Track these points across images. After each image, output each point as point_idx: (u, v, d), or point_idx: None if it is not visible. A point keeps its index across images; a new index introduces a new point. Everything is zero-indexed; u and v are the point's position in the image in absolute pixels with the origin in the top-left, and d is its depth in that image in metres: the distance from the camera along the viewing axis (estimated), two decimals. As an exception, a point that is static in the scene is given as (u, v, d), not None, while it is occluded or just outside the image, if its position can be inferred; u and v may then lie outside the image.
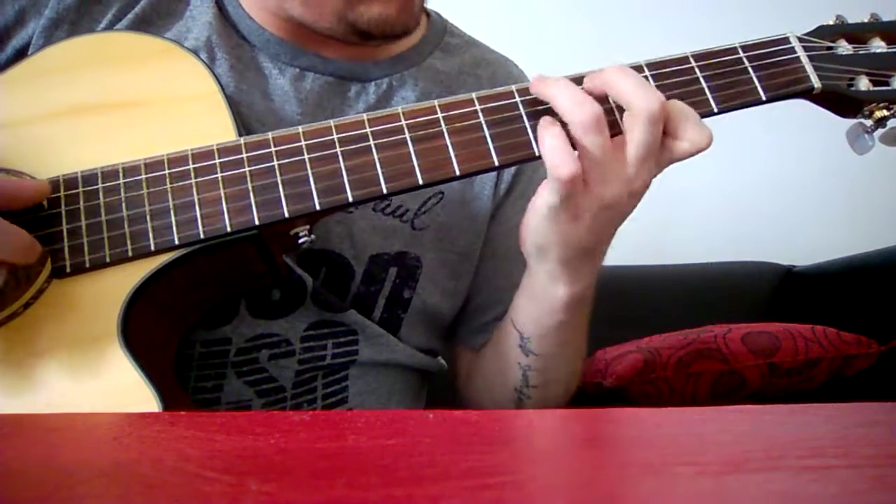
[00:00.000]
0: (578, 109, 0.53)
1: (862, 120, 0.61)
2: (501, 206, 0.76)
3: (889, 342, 1.11)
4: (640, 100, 0.53)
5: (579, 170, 0.53)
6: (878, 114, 0.60)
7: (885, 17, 0.62)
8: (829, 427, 0.39)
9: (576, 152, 0.54)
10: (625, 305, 1.24)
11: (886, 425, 0.40)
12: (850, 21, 0.62)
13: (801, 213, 1.64)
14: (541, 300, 0.63)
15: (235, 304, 0.64)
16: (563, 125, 0.54)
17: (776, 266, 1.48)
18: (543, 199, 0.56)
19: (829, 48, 0.60)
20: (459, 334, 0.79)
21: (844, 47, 0.60)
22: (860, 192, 1.65)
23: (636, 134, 0.54)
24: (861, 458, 0.32)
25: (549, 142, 0.54)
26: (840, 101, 0.60)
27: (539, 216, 0.58)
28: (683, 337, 1.12)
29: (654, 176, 0.56)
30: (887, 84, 0.60)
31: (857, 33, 0.61)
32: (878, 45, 0.61)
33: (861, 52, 0.60)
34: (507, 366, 0.69)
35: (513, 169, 0.75)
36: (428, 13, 0.78)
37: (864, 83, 0.59)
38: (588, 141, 0.53)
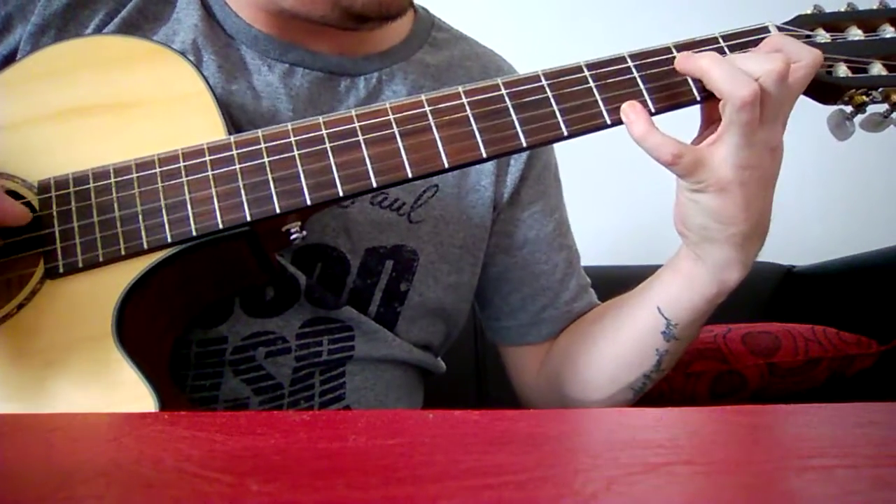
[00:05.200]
0: (739, 87, 0.54)
1: (842, 107, 0.62)
2: (518, 192, 0.76)
3: (889, 342, 1.11)
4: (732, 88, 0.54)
5: (682, 150, 0.55)
6: (858, 100, 0.61)
7: (862, 6, 0.63)
8: (829, 427, 0.39)
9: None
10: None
11: (886, 425, 0.40)
12: (828, 10, 0.63)
13: (801, 213, 1.64)
14: (702, 288, 0.63)
15: (230, 304, 0.64)
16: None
17: (776, 266, 1.48)
18: (679, 185, 0.58)
19: (808, 37, 0.61)
20: (512, 333, 0.80)
21: (822, 36, 0.62)
22: (860, 192, 1.65)
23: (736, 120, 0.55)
24: (861, 458, 0.32)
25: (648, 139, 0.56)
26: (820, 88, 0.61)
27: (681, 205, 0.60)
28: (683, 337, 1.12)
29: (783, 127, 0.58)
30: (865, 71, 0.61)
31: (834, 22, 0.62)
32: (855, 34, 0.62)
33: (839, 41, 0.61)
34: (640, 353, 0.69)
35: (524, 154, 0.75)
36: (415, 9, 0.78)
37: (843, 70, 0.60)
38: (743, 114, 0.54)
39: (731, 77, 0.54)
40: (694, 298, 0.64)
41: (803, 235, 1.61)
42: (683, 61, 0.57)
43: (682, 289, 0.65)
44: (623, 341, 0.70)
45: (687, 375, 1.08)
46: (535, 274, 0.78)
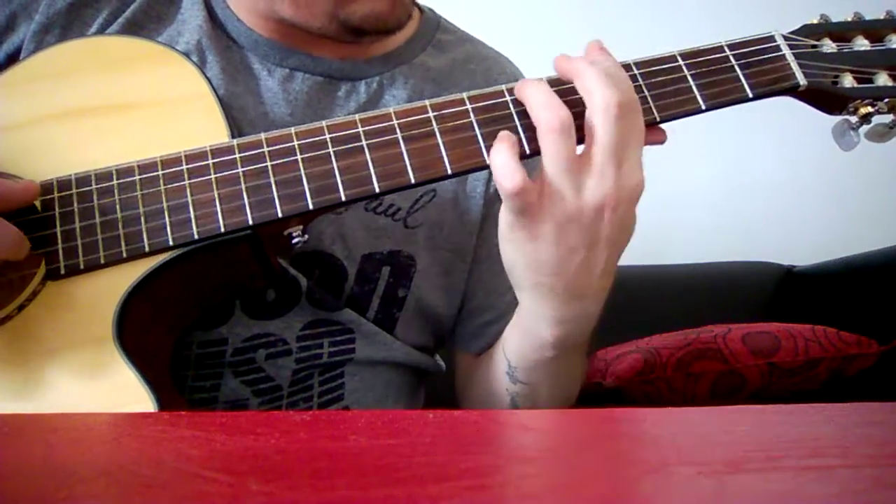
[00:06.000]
0: (546, 113, 0.52)
1: (847, 117, 0.62)
2: (494, 205, 0.75)
3: (889, 342, 1.11)
4: (598, 93, 0.52)
5: (525, 183, 0.51)
6: (863, 110, 0.60)
7: (868, 16, 0.63)
8: (829, 427, 0.39)
9: (523, 170, 0.52)
10: (625, 305, 1.23)
11: (886, 425, 0.40)
12: (834, 20, 0.62)
13: (800, 213, 1.65)
14: (526, 335, 0.63)
15: (230, 305, 0.64)
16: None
17: (776, 266, 1.49)
18: (502, 215, 0.55)
19: (814, 46, 0.61)
20: (457, 337, 0.79)
21: (829, 46, 0.61)
22: (860, 192, 1.65)
23: (598, 132, 0.52)
24: (861, 458, 0.32)
25: (495, 157, 0.53)
26: (825, 98, 0.61)
27: (501, 236, 0.56)
28: (683, 337, 1.12)
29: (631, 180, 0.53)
30: (871, 81, 0.60)
31: (841, 32, 0.62)
32: (861, 44, 0.61)
33: (845, 51, 0.61)
34: (497, 389, 0.69)
35: None
36: (421, 9, 0.78)
37: (848, 80, 0.60)
38: (548, 143, 0.52)
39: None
40: (523, 345, 0.64)
41: (803, 235, 1.61)
42: (518, 89, 0.55)
43: (515, 333, 0.65)
44: (488, 376, 0.71)
45: (687, 376, 1.08)
46: (488, 291, 0.76)
